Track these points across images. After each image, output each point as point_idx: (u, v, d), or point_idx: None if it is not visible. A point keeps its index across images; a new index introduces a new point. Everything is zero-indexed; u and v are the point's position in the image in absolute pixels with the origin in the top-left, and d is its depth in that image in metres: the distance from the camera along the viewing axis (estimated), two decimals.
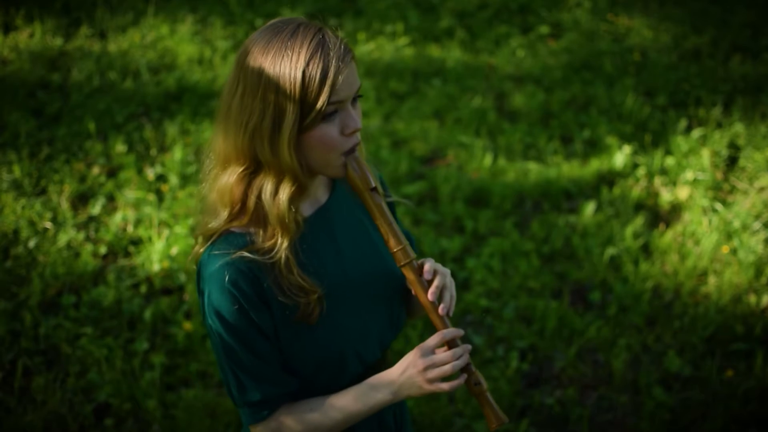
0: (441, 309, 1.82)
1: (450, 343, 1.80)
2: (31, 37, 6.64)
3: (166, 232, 4.56)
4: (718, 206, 5.00)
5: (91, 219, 4.71)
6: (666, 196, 5.18)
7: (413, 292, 1.85)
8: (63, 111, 5.74)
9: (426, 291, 1.82)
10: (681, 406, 3.75)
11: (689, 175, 5.27)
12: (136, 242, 4.56)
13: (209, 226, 1.79)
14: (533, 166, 5.48)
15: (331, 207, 1.90)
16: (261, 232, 1.76)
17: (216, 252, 1.74)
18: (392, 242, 1.81)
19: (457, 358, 1.77)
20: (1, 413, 3.52)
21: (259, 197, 1.75)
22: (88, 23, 6.96)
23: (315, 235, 1.85)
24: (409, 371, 1.78)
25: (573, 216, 5.03)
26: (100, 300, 4.10)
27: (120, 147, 5.28)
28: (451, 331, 1.79)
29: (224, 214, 1.78)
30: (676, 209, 5.11)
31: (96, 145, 5.31)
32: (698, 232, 4.82)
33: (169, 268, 4.32)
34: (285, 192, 1.73)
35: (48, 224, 4.56)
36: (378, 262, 1.94)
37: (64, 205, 4.72)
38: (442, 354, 1.77)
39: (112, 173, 5.11)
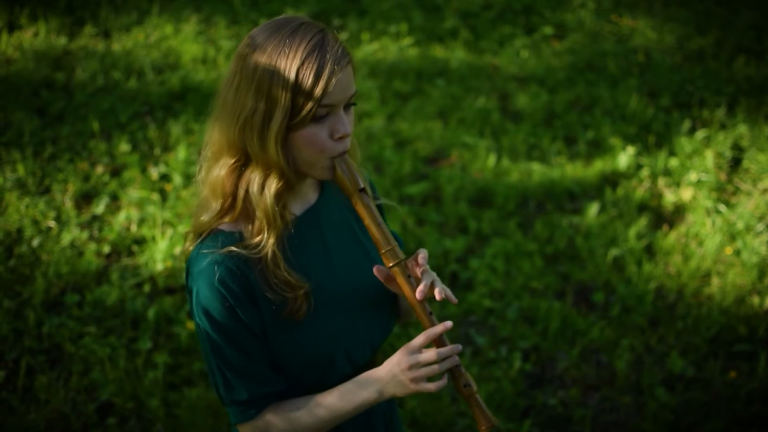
0: (419, 293, 1.76)
1: (438, 342, 1.78)
2: (35, 36, 6.65)
3: (169, 231, 4.56)
4: (722, 207, 5.00)
5: (95, 218, 4.71)
6: (669, 197, 5.18)
7: (402, 292, 1.83)
8: (67, 110, 5.75)
9: (414, 290, 1.79)
10: (684, 407, 3.75)
11: (693, 176, 5.26)
12: (140, 241, 4.57)
13: (201, 219, 1.81)
14: (537, 167, 5.48)
15: (320, 208, 1.91)
16: (250, 227, 1.77)
17: (205, 250, 1.75)
18: (381, 243, 1.80)
19: (444, 359, 1.75)
20: (5, 412, 3.52)
21: (247, 190, 1.76)
22: (92, 22, 6.97)
23: (304, 235, 1.86)
24: (394, 370, 1.77)
25: (576, 217, 5.03)
26: (104, 299, 4.10)
27: (124, 146, 5.28)
28: (437, 328, 1.76)
29: (216, 206, 1.79)
30: (680, 210, 5.11)
31: (100, 144, 5.32)
32: (702, 233, 4.82)
33: (173, 268, 4.33)
34: (272, 187, 1.74)
35: (52, 223, 4.56)
36: (367, 263, 1.92)
37: (68, 204, 4.73)
38: (427, 353, 1.74)
39: (115, 172, 5.12)
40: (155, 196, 4.82)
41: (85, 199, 4.87)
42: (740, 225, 4.82)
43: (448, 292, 1.84)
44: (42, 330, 3.94)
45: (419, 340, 1.76)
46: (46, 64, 6.28)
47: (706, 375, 3.92)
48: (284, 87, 1.65)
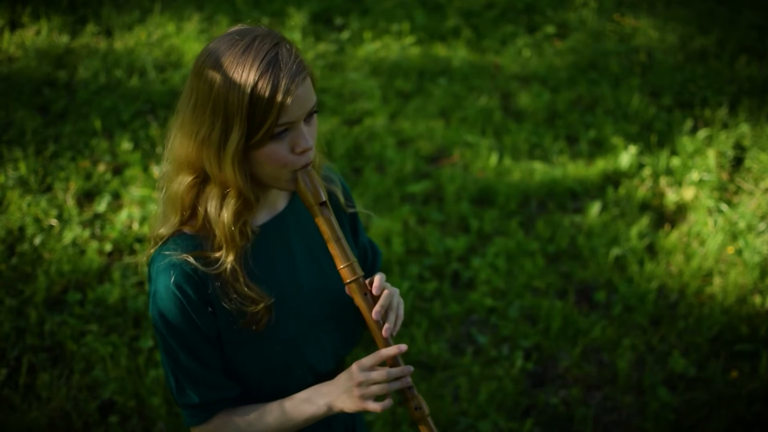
0: (385, 330, 1.78)
1: (393, 362, 1.78)
2: (37, 35, 6.65)
3: None
4: (724, 207, 5.00)
5: (97, 216, 4.72)
6: (671, 196, 5.17)
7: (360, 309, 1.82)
8: (69, 108, 5.75)
9: (371, 309, 1.79)
10: (685, 407, 3.75)
11: (695, 175, 5.26)
12: (142, 240, 4.57)
13: (159, 231, 1.79)
14: (539, 166, 5.48)
15: (287, 216, 1.89)
16: (211, 238, 1.76)
17: (165, 252, 1.74)
18: (338, 259, 1.78)
19: (394, 379, 1.75)
20: (6, 410, 3.53)
21: (206, 209, 1.75)
22: (94, 21, 6.97)
23: (268, 243, 1.84)
24: (344, 385, 1.77)
25: (578, 216, 5.02)
26: (106, 297, 4.11)
27: (126, 144, 5.29)
28: (390, 350, 1.76)
29: (174, 220, 1.77)
30: (682, 210, 5.10)
31: (102, 142, 5.32)
32: (703, 232, 4.82)
33: None
34: (229, 206, 1.72)
35: (53, 221, 4.57)
36: (333, 274, 1.90)
37: (70, 202, 4.73)
38: (378, 372, 1.74)
39: (117, 171, 5.12)
40: (157, 195, 4.81)
41: (87, 197, 4.87)
42: (742, 224, 4.81)
43: (398, 322, 1.84)
44: (44, 328, 3.94)
45: (371, 359, 1.76)
46: (48, 62, 6.29)
47: (707, 375, 3.92)
48: (239, 108, 1.62)
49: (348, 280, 1.79)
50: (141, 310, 4.06)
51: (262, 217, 1.85)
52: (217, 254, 1.74)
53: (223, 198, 1.73)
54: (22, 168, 4.94)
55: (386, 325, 1.79)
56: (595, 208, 5.02)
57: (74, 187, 4.86)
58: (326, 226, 1.77)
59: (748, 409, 3.73)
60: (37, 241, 4.42)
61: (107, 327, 3.98)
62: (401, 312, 1.86)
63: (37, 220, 4.58)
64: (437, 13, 7.88)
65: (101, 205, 4.75)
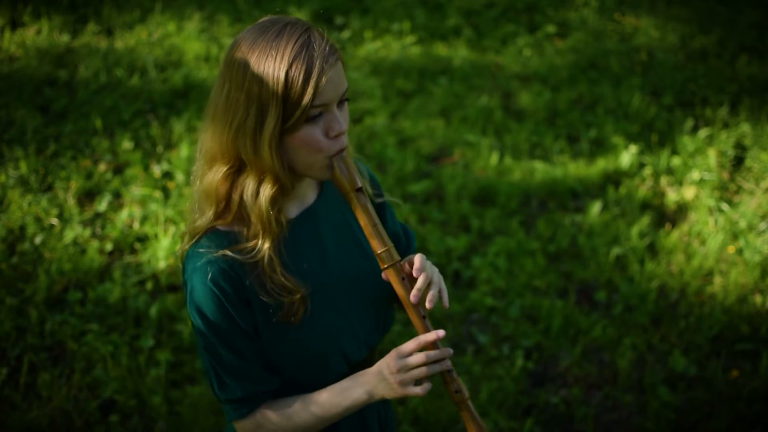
0: (413, 296, 1.77)
1: (431, 347, 1.78)
2: (38, 34, 6.65)
3: (172, 229, 4.57)
4: (724, 206, 5.00)
5: (98, 216, 4.72)
6: (672, 195, 5.17)
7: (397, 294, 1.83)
8: (70, 107, 5.75)
9: (408, 293, 1.79)
10: (686, 406, 3.75)
11: (695, 174, 5.26)
12: (142, 239, 4.57)
13: (195, 224, 1.81)
14: (539, 165, 5.48)
15: (317, 208, 1.90)
16: (245, 231, 1.77)
17: (200, 249, 1.76)
18: (376, 244, 1.79)
19: (433, 362, 1.75)
20: (7, 409, 3.53)
21: (241, 196, 1.76)
22: (95, 20, 6.97)
23: (300, 236, 1.85)
24: (383, 372, 1.77)
25: (579, 215, 5.02)
26: (106, 296, 4.11)
27: (126, 144, 5.29)
28: (429, 335, 1.76)
29: (209, 213, 1.78)
30: (682, 209, 5.10)
31: (102, 141, 5.32)
32: (704, 232, 4.82)
33: (175, 265, 4.33)
34: (266, 192, 1.73)
35: (54, 221, 4.57)
36: (364, 263, 1.92)
37: (71, 201, 4.73)
38: (416, 356, 1.74)
39: (118, 170, 5.12)
40: (158, 194, 4.82)
41: (87, 196, 4.87)
42: (743, 224, 4.81)
43: (444, 294, 1.84)
44: (44, 327, 3.94)
45: (410, 344, 1.76)
46: (49, 61, 6.29)
47: (708, 374, 3.92)
48: (274, 91, 1.63)
49: (385, 266, 1.79)
50: (141, 309, 4.06)
51: (293, 210, 1.86)
52: (253, 243, 1.75)
53: (259, 184, 1.74)
54: (23, 167, 4.94)
55: (413, 291, 1.78)
56: (595, 207, 5.02)
57: (75, 187, 4.86)
58: (363, 212, 1.78)
59: (748, 408, 3.73)
60: (38, 240, 4.42)
61: (108, 326, 3.98)
62: (443, 285, 1.85)
63: (38, 220, 4.58)
64: (438, 13, 7.88)
65: (102, 205, 4.76)
